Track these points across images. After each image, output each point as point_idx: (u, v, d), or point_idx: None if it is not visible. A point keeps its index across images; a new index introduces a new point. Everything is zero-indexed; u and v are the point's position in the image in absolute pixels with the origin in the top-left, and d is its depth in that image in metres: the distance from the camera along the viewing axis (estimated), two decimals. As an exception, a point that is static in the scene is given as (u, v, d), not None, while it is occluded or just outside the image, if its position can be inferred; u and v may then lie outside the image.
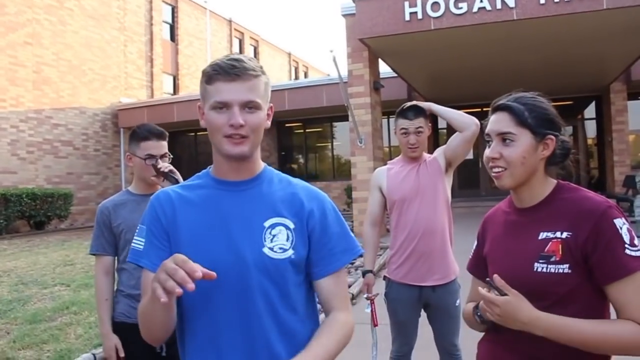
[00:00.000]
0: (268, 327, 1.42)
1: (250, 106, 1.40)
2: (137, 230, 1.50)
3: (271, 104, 1.51)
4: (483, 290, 1.49)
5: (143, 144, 2.67)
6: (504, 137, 1.56)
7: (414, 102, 3.14)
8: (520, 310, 1.42)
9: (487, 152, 1.60)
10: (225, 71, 1.39)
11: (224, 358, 1.42)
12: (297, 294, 1.49)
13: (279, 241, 1.44)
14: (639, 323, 1.38)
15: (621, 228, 1.43)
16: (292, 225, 1.47)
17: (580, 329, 1.40)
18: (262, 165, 1.56)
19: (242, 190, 1.49)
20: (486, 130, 1.63)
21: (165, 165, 2.63)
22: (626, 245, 1.41)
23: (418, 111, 3.09)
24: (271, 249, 1.43)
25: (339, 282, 1.54)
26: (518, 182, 1.57)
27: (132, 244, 1.48)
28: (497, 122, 1.59)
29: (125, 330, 2.61)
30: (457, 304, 3.06)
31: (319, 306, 1.57)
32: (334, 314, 1.50)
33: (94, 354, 4.28)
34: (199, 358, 1.46)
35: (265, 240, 1.43)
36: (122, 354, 2.62)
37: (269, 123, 1.49)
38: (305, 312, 1.52)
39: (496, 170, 1.57)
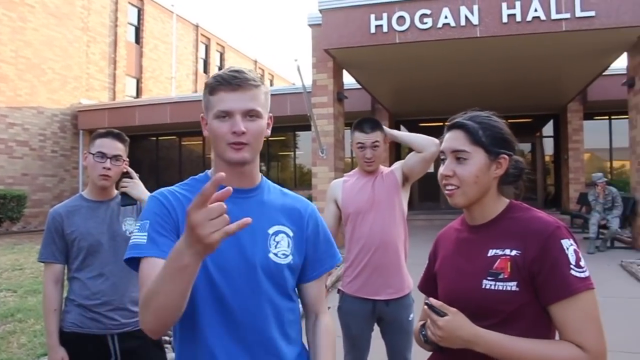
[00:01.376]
0: (269, 322, 1.52)
1: (251, 114, 1.49)
2: (137, 227, 1.47)
3: (271, 114, 1.61)
4: (427, 308, 1.49)
5: (98, 140, 2.58)
6: (457, 155, 1.56)
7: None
8: (461, 328, 1.43)
9: (441, 169, 1.60)
10: (228, 82, 1.48)
11: (227, 350, 1.47)
12: (294, 296, 1.63)
13: (281, 247, 1.56)
14: (579, 346, 1.38)
15: (568, 248, 1.43)
16: (291, 233, 1.60)
17: (519, 347, 1.40)
18: (260, 175, 1.65)
19: (245, 198, 1.57)
20: (441, 148, 1.63)
21: (123, 185, 2.54)
22: (572, 266, 1.41)
23: (374, 125, 3.07)
24: (275, 254, 1.54)
25: (322, 285, 1.72)
26: (471, 200, 1.57)
27: (132, 241, 1.44)
28: (452, 140, 1.59)
29: (76, 340, 2.51)
30: (410, 319, 3.04)
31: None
32: (322, 320, 1.68)
33: (37, 364, 4.13)
34: (198, 354, 1.48)
35: (270, 246, 1.54)
36: None
37: (269, 132, 1.59)
38: (298, 312, 1.65)
39: (449, 188, 1.57)
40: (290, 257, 1.57)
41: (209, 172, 1.65)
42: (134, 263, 1.43)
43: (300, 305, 1.70)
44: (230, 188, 1.14)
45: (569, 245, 1.44)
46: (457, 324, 1.43)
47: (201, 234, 1.11)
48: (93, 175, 2.58)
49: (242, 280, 1.48)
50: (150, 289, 1.29)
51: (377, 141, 3.04)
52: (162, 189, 1.56)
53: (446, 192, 1.59)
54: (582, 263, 1.43)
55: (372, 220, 3.03)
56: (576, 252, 1.44)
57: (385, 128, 3.13)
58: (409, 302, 3.06)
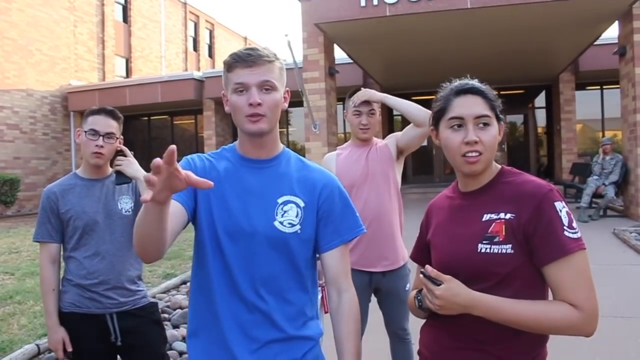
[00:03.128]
0: (267, 289, 1.61)
1: (266, 87, 1.59)
2: None
3: (287, 88, 1.71)
4: (423, 277, 1.52)
5: (90, 118, 2.53)
6: (482, 121, 1.53)
7: (369, 92, 3.10)
8: (458, 294, 1.45)
9: (459, 135, 1.54)
10: (243, 59, 1.58)
11: (225, 308, 1.60)
12: (303, 267, 1.69)
13: (288, 217, 1.63)
14: (572, 304, 1.41)
15: (561, 210, 1.46)
16: (302, 204, 1.65)
17: (515, 309, 1.43)
18: (281, 146, 1.75)
19: (262, 168, 1.68)
20: (456, 114, 1.55)
21: (117, 164, 2.52)
22: (565, 227, 1.44)
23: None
24: (281, 223, 1.62)
25: (344, 258, 1.74)
26: (487, 166, 1.58)
27: None
28: (473, 105, 1.54)
29: (75, 320, 2.51)
30: (407, 289, 3.07)
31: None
32: (345, 299, 1.70)
33: (37, 345, 4.14)
34: (205, 305, 1.64)
35: (277, 215, 1.62)
36: (69, 348, 2.50)
37: (286, 105, 1.70)
38: (311, 282, 1.74)
39: (473, 154, 1.52)
40: (298, 227, 1.63)
41: (236, 143, 1.74)
42: None
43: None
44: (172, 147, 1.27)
45: (561, 207, 1.47)
46: (453, 291, 1.45)
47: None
48: (86, 153, 2.55)
49: (245, 245, 1.60)
50: (136, 220, 1.45)
51: (372, 109, 3.07)
52: (197, 155, 1.73)
53: (468, 159, 1.53)
54: (574, 224, 1.46)
55: (366, 193, 3.04)
56: (568, 214, 1.47)
57: (380, 95, 3.11)
58: (405, 273, 3.10)
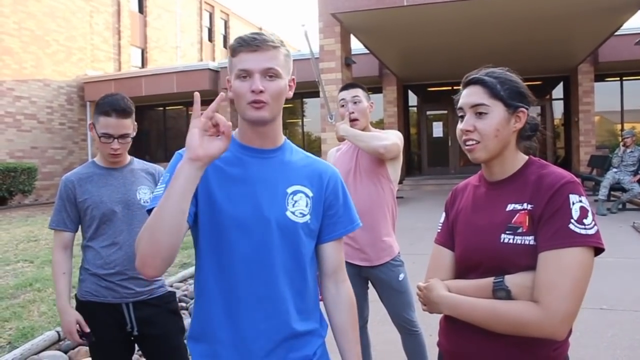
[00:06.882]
0: (281, 282, 1.57)
1: (270, 74, 1.53)
2: (161, 179, 1.58)
3: (293, 76, 1.64)
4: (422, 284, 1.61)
5: (102, 119, 2.45)
6: (477, 110, 1.56)
7: (337, 129, 3.09)
8: (433, 289, 1.51)
9: (461, 125, 1.59)
10: (247, 43, 1.53)
11: (240, 304, 1.55)
12: (309, 259, 1.65)
13: (299, 207, 1.60)
14: (537, 301, 1.36)
15: (573, 203, 1.40)
16: (310, 194, 1.63)
17: (472, 307, 1.44)
18: (283, 137, 1.70)
19: (266, 158, 1.62)
20: (459, 104, 1.61)
21: None
22: (572, 220, 1.38)
23: (357, 85, 3.16)
24: (293, 212, 1.58)
25: (341, 249, 1.74)
26: (492, 155, 1.56)
27: (153, 193, 1.56)
28: (470, 95, 1.58)
29: (93, 309, 2.50)
30: (400, 279, 3.02)
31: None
32: (343, 290, 1.71)
33: (58, 332, 4.18)
34: (215, 303, 1.58)
35: (288, 205, 1.58)
36: (86, 329, 2.48)
37: (290, 93, 1.62)
38: (311, 273, 1.68)
39: (470, 143, 1.56)
40: (308, 217, 1.60)
41: (233, 133, 1.64)
42: None
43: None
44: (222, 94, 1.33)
45: (577, 200, 1.41)
46: (431, 285, 1.53)
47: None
48: (102, 152, 2.53)
49: (258, 236, 1.54)
50: (152, 216, 1.38)
51: (357, 95, 3.09)
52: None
53: (466, 147, 1.58)
54: (586, 221, 1.39)
55: (352, 189, 2.99)
56: (582, 209, 1.40)
57: (342, 129, 3.05)
58: (396, 264, 3.04)
